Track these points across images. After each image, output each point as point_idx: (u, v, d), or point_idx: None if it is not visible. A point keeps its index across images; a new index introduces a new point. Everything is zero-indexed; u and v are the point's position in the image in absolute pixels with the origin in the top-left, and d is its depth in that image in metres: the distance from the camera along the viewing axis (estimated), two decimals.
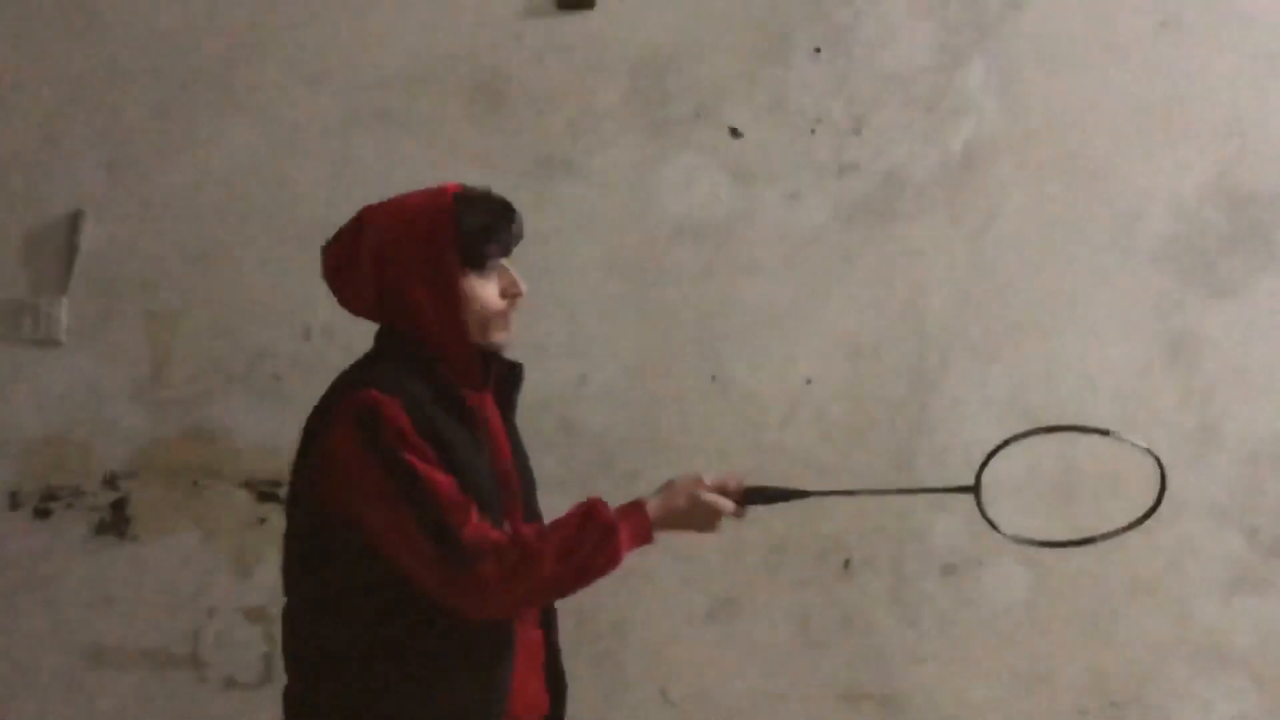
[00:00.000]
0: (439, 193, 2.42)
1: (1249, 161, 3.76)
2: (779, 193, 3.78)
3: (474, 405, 2.41)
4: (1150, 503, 2.68)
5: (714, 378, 3.73)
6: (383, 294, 2.40)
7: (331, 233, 2.50)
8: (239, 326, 3.73)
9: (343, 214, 3.55)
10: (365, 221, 2.43)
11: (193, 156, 3.74)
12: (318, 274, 2.49)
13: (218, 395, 3.73)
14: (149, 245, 3.74)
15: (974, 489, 2.67)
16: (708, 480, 2.47)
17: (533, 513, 2.53)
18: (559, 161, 3.77)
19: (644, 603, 3.73)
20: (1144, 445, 2.71)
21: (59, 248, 3.74)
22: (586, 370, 3.73)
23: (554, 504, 3.57)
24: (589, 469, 3.71)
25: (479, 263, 2.40)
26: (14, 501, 3.73)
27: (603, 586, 3.67)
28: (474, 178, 3.71)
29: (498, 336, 2.46)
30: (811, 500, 3.67)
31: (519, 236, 2.49)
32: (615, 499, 3.76)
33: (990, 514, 2.67)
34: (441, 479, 2.27)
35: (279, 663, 2.51)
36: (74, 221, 3.73)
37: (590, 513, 2.35)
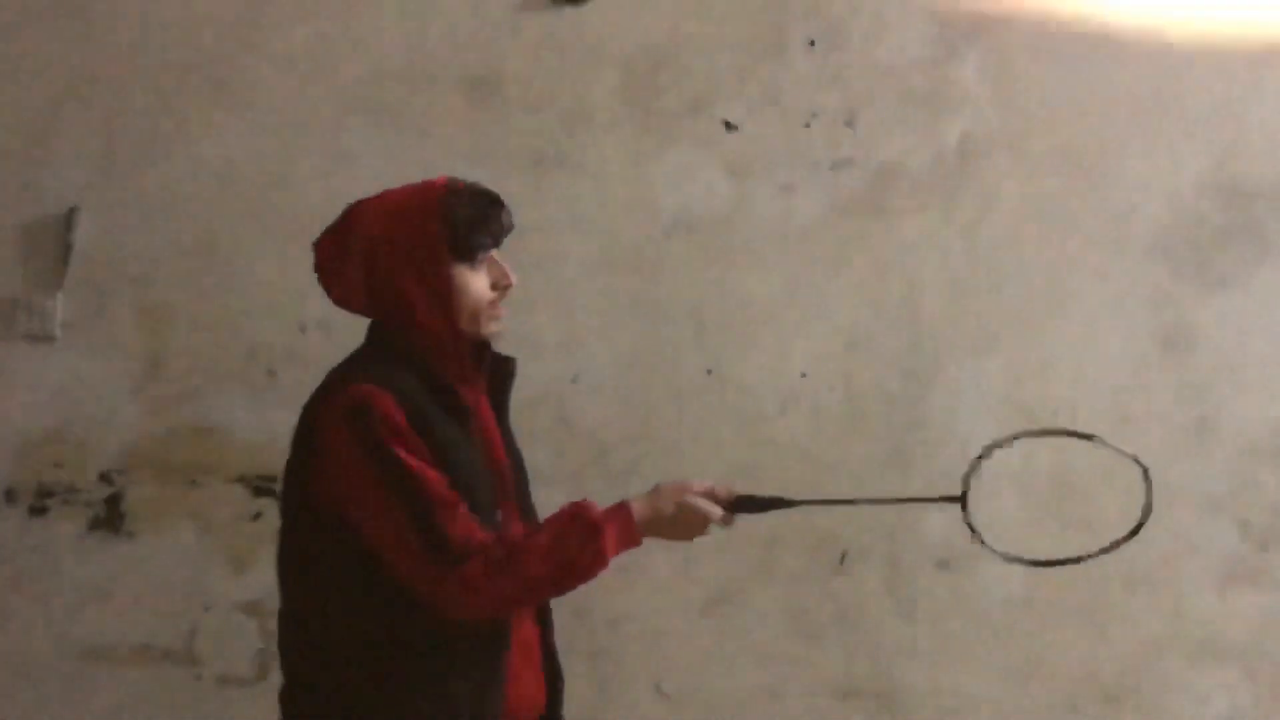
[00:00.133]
0: (427, 186, 2.42)
1: (1244, 155, 3.77)
2: (773, 186, 3.78)
3: (467, 401, 2.40)
4: (1138, 511, 2.67)
5: (709, 372, 3.73)
6: (373, 288, 2.39)
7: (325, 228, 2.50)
8: (234, 322, 3.73)
9: (338, 209, 3.56)
10: (354, 216, 2.43)
11: (187, 152, 3.73)
12: (310, 275, 2.49)
13: (213, 391, 3.73)
14: (144, 241, 3.73)
15: (961, 499, 2.65)
16: (696, 487, 2.46)
17: (527, 507, 2.53)
18: (553, 156, 3.77)
19: (639, 597, 3.73)
20: (1130, 454, 2.69)
21: (54, 244, 3.73)
22: (581, 365, 3.73)
23: (549, 498, 3.56)
24: (584, 463, 3.71)
25: (468, 255, 2.40)
26: (9, 497, 3.72)
27: (598, 581, 3.67)
28: (468, 172, 3.71)
29: (490, 328, 2.46)
30: (807, 493, 3.71)
31: (508, 228, 2.49)
32: (610, 494, 3.74)
33: (979, 521, 2.66)
34: (432, 475, 2.27)
35: (275, 659, 2.51)
36: (69, 217, 3.73)
37: (577, 514, 2.34)
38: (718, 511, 2.47)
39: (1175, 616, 3.72)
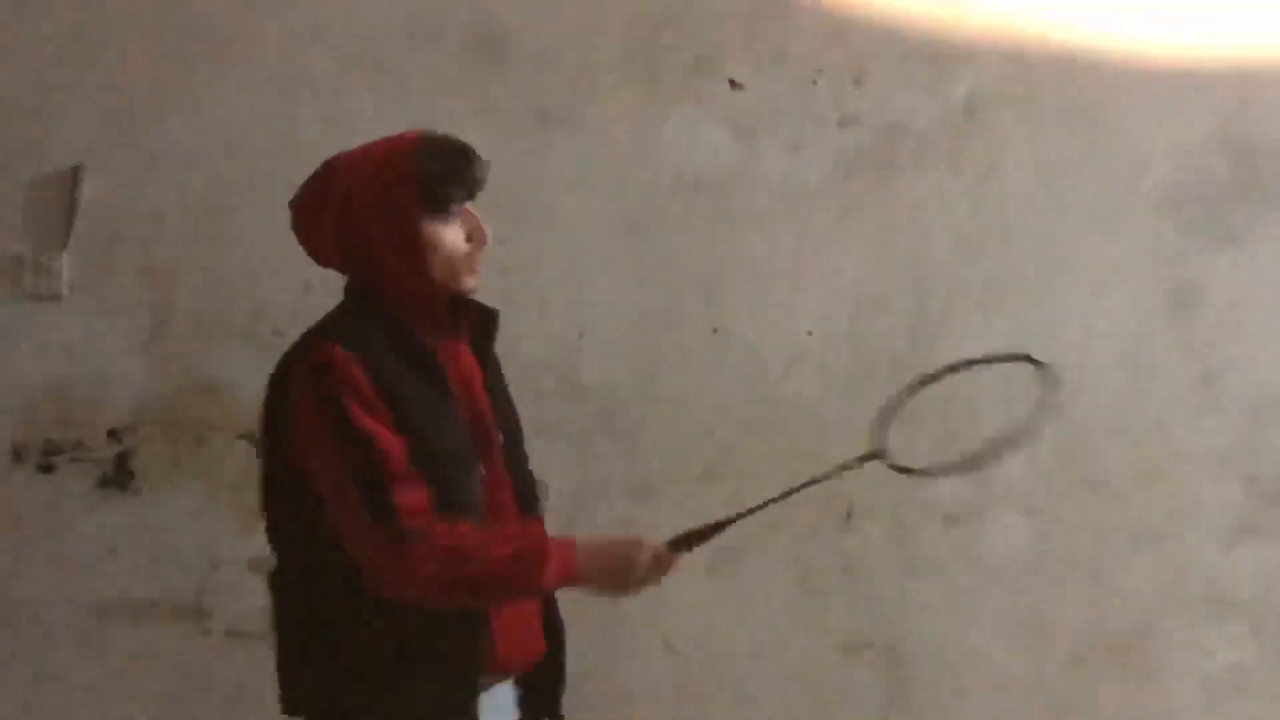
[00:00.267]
0: (399, 140, 2.40)
1: (1253, 111, 3.75)
2: (780, 145, 3.77)
3: (441, 359, 2.39)
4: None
5: (715, 331, 3.73)
6: (346, 244, 2.38)
7: None
8: (239, 280, 3.73)
9: None
10: (327, 173, 2.42)
11: (192, 110, 3.73)
12: (291, 228, 2.49)
13: (219, 348, 3.73)
14: (149, 199, 3.73)
15: (880, 454, 2.65)
16: (647, 544, 2.44)
17: (517, 463, 2.52)
18: (558, 115, 3.76)
19: None
20: (1023, 355, 2.74)
21: (59, 203, 3.73)
22: (587, 325, 3.73)
23: (556, 457, 3.61)
24: (590, 424, 3.72)
25: (440, 208, 2.37)
26: (17, 456, 3.73)
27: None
28: (473, 132, 3.68)
29: (466, 282, 2.42)
30: (813, 452, 3.72)
31: (482, 181, 2.44)
32: (617, 453, 3.80)
33: (904, 463, 2.65)
34: (390, 443, 2.26)
35: None
36: (74, 176, 3.73)
37: (528, 535, 2.34)
38: (667, 558, 2.45)
39: (1181, 571, 3.73)
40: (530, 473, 2.57)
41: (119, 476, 3.73)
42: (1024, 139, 3.76)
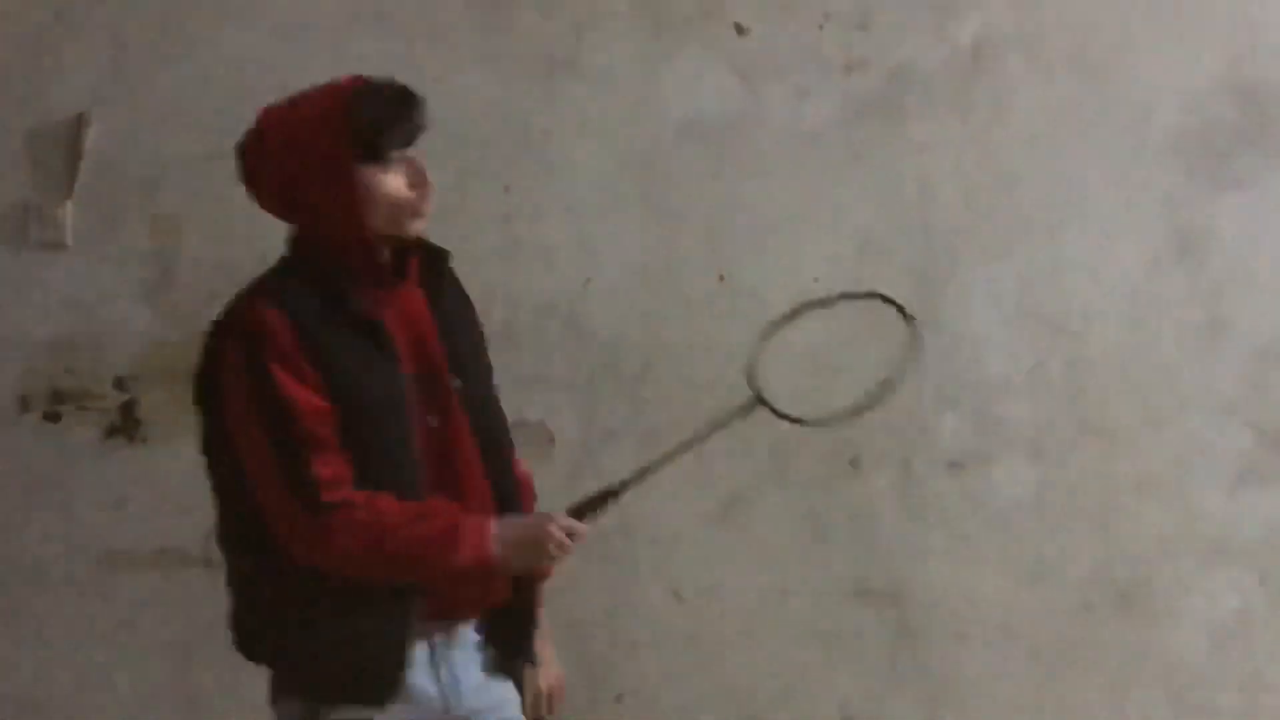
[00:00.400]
0: (334, 87, 2.36)
1: (1259, 55, 3.73)
2: (786, 90, 3.75)
3: (382, 312, 2.36)
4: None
5: (721, 278, 3.73)
6: (285, 193, 2.36)
7: None
8: (245, 229, 3.70)
9: None
10: (266, 121, 2.39)
11: (196, 58, 3.71)
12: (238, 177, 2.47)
13: (225, 297, 3.66)
14: (154, 147, 3.72)
15: (760, 400, 2.63)
16: (559, 519, 2.42)
17: (480, 406, 2.48)
18: (563, 61, 3.74)
19: (653, 502, 3.73)
20: (878, 294, 2.75)
21: (63, 151, 3.72)
22: (592, 272, 3.72)
23: (562, 405, 3.61)
24: (595, 371, 3.72)
25: (377, 155, 2.33)
26: (23, 405, 3.73)
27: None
28: (477, 79, 3.73)
29: (411, 226, 2.39)
30: (817, 400, 3.72)
31: (422, 126, 2.40)
32: (622, 400, 3.80)
33: (785, 410, 2.64)
34: (316, 413, 2.26)
35: None
36: (78, 124, 3.72)
37: (445, 513, 2.33)
38: (580, 528, 2.43)
39: (1187, 517, 3.74)
40: (499, 415, 2.55)
41: (126, 426, 3.73)
42: (1031, 84, 3.74)
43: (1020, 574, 3.74)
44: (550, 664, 2.71)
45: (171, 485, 3.70)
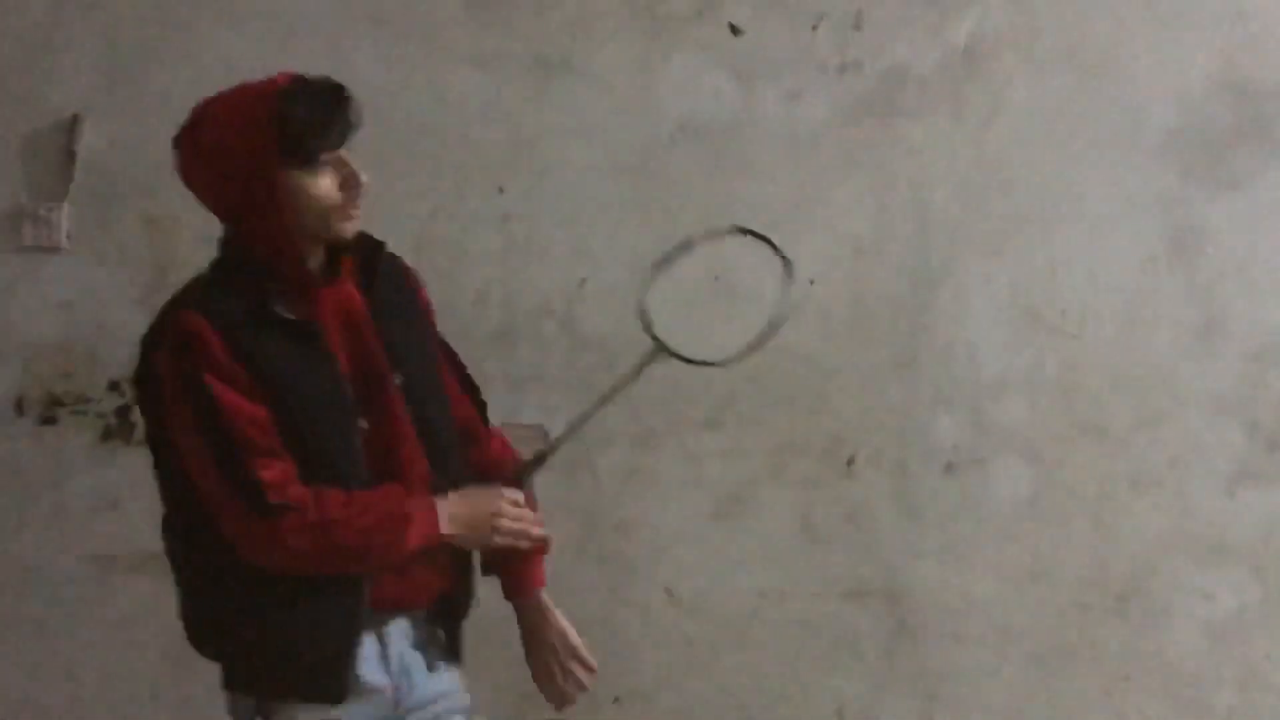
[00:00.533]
0: (264, 86, 2.31)
1: (1254, 53, 3.73)
2: (780, 91, 3.76)
3: (314, 313, 2.34)
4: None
5: (716, 278, 3.72)
6: (215, 191, 2.33)
7: None
8: None
9: None
10: (198, 116, 2.35)
11: (190, 60, 3.71)
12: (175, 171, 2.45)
13: None
14: (148, 149, 3.69)
15: (661, 348, 2.63)
16: (506, 494, 2.44)
17: (424, 402, 2.45)
18: (557, 61, 3.74)
19: (649, 502, 3.75)
20: (744, 229, 2.74)
21: (58, 153, 3.72)
22: (587, 272, 3.72)
23: (557, 406, 3.60)
24: (591, 372, 3.71)
25: (305, 157, 2.28)
26: (20, 408, 3.73)
27: (607, 487, 3.73)
28: (471, 79, 3.73)
29: (341, 229, 2.34)
30: (814, 398, 3.73)
31: (354, 127, 2.34)
32: (618, 401, 3.78)
33: (684, 353, 2.63)
34: (252, 417, 2.25)
35: None
36: (72, 126, 3.71)
37: (391, 498, 2.33)
38: (517, 515, 2.44)
39: (1183, 517, 3.73)
40: (445, 406, 2.52)
41: (121, 429, 3.73)
42: (1025, 84, 3.74)
43: (1016, 574, 3.74)
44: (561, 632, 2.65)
45: None
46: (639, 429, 3.71)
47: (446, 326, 3.64)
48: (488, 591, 2.59)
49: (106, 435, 3.73)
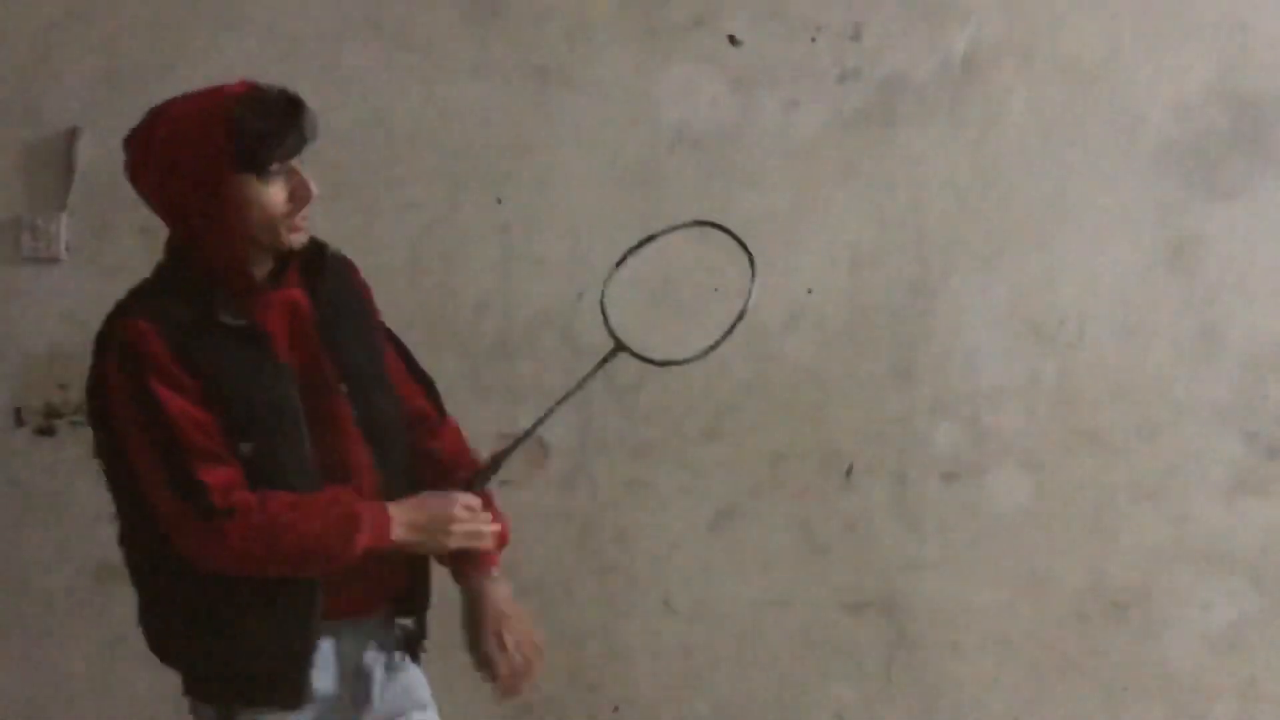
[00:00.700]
0: (220, 93, 2.32)
1: (1251, 62, 3.73)
2: (779, 101, 3.76)
3: (260, 316, 2.35)
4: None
5: (715, 289, 3.72)
6: (164, 195, 2.33)
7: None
8: None
9: (339, 127, 3.55)
10: (153, 120, 2.36)
11: (188, 70, 3.69)
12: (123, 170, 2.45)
13: None
14: None
15: (621, 347, 2.65)
16: (459, 499, 2.45)
17: (369, 407, 2.46)
18: (555, 72, 3.74)
19: (647, 513, 3.75)
20: (709, 222, 2.75)
21: (56, 164, 3.72)
22: (586, 282, 3.71)
23: (557, 417, 3.59)
24: (590, 383, 3.70)
25: (257, 166, 2.29)
26: (18, 419, 3.73)
27: (605, 497, 3.73)
28: (469, 89, 3.73)
29: (288, 240, 2.35)
30: (812, 408, 3.73)
31: (307, 139, 2.36)
32: (617, 412, 3.79)
33: (645, 354, 2.66)
34: (198, 421, 2.25)
35: None
36: (71, 137, 3.71)
37: (339, 500, 2.33)
38: (470, 518, 2.45)
39: (1182, 526, 3.73)
40: (394, 413, 2.52)
41: None
42: (1023, 93, 3.74)
43: (1015, 584, 3.74)
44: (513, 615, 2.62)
45: None
46: (637, 439, 3.71)
47: (445, 337, 3.69)
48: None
49: None
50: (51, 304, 3.72)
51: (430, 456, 2.59)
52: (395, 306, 3.60)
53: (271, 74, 3.67)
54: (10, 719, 3.74)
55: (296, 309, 2.41)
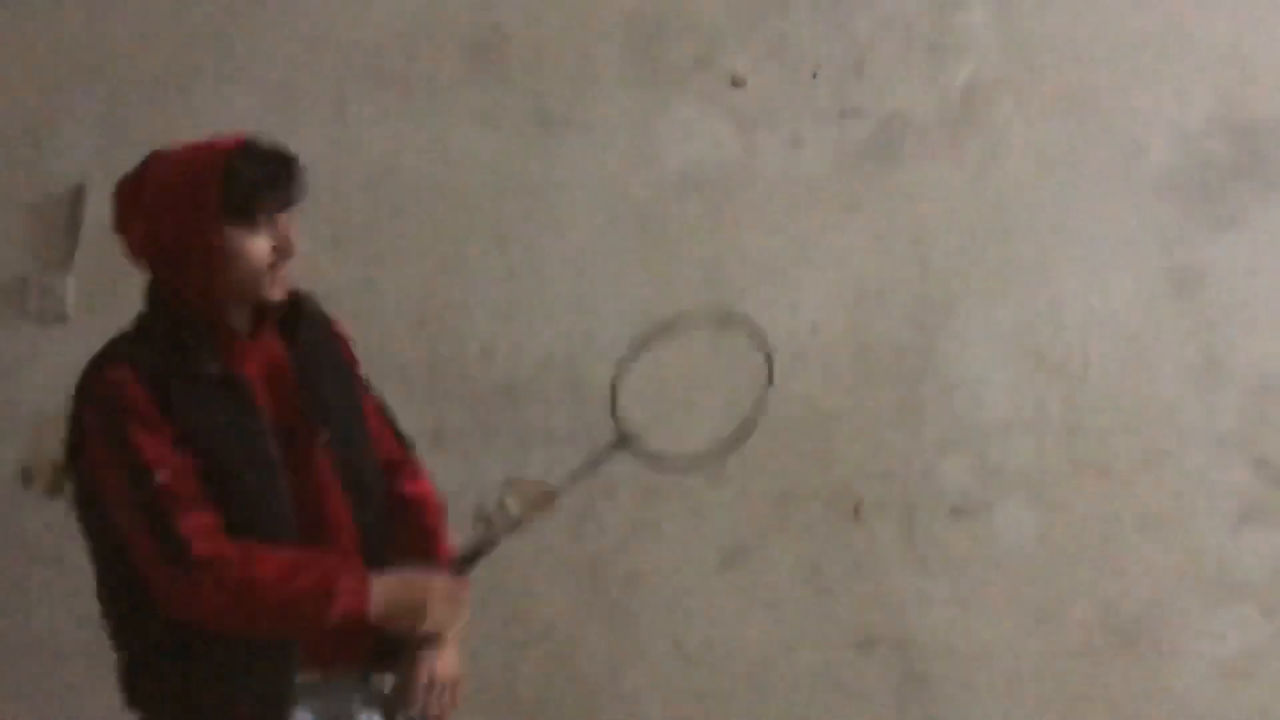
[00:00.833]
0: (216, 145, 2.34)
1: (1250, 90, 3.74)
2: (781, 139, 3.77)
3: (238, 367, 2.36)
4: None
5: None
6: (151, 242, 2.34)
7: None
8: None
9: (344, 178, 3.58)
10: (147, 167, 2.37)
11: (193, 124, 3.68)
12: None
13: None
14: None
15: (625, 442, 2.64)
16: (439, 580, 2.44)
17: (349, 456, 2.45)
18: (559, 116, 3.75)
19: (655, 554, 3.75)
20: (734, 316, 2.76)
21: (62, 223, 3.74)
22: (592, 324, 3.72)
23: (563, 460, 3.59)
24: (597, 424, 3.69)
25: (246, 218, 2.31)
26: (26, 479, 3.74)
27: (613, 539, 3.74)
28: (473, 135, 3.75)
29: (266, 293, 2.36)
30: (819, 445, 3.73)
31: (299, 193, 2.37)
32: (623, 455, 3.78)
33: (653, 450, 2.63)
34: (177, 469, 2.25)
35: None
36: (76, 196, 3.73)
37: (318, 566, 2.32)
38: (450, 601, 2.43)
39: (1190, 556, 3.73)
40: (371, 461, 2.52)
41: None
42: (1024, 126, 3.75)
43: (1025, 618, 3.73)
44: (448, 659, 2.56)
45: None
46: (644, 481, 3.70)
47: (452, 382, 3.70)
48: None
49: None
50: (59, 363, 3.70)
51: (400, 499, 2.58)
52: (401, 352, 3.65)
53: (277, 125, 3.67)
54: None
55: (275, 358, 2.42)
